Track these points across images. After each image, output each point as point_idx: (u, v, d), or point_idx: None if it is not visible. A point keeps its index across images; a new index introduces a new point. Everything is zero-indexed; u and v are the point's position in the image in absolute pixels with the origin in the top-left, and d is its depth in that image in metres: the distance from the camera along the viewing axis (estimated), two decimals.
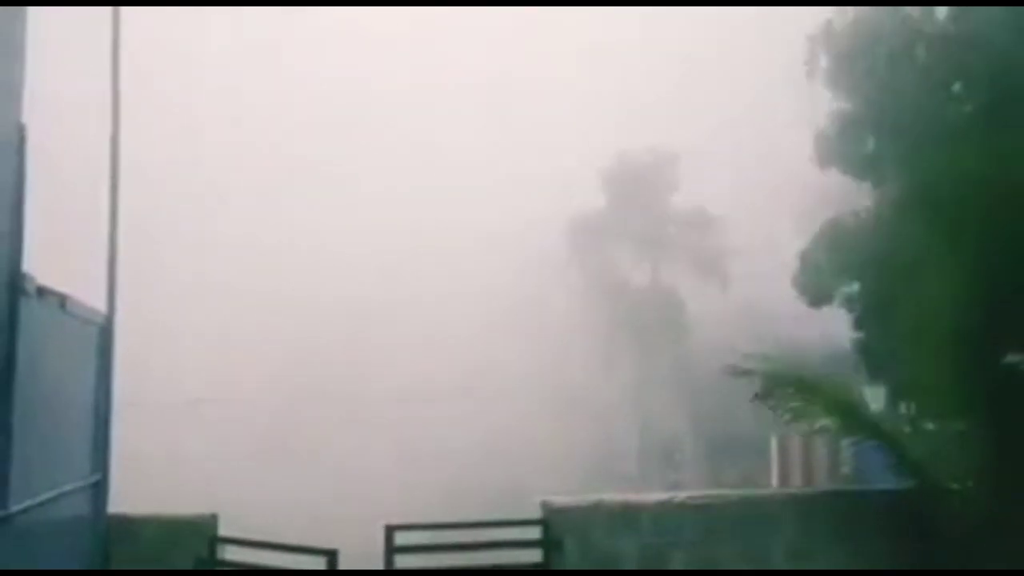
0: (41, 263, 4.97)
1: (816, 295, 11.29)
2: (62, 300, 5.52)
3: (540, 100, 13.94)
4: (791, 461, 13.13)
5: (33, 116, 4.90)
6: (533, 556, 7.30)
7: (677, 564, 7.54)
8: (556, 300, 12.49)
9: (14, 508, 4.45)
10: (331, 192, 11.81)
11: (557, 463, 10.61)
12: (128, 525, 6.77)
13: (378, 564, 7.02)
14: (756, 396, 7.62)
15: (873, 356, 10.21)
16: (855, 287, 10.98)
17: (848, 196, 10.48)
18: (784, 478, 13.92)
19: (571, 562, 7.31)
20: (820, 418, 7.65)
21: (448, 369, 11.55)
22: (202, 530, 6.79)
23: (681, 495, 7.86)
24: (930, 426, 8.15)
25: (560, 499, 7.47)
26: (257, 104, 13.82)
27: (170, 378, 10.07)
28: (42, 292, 5.04)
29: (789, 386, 7.62)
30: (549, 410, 11.81)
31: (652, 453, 13.43)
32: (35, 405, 4.87)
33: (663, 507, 7.73)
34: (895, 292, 8.77)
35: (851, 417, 7.64)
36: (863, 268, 10.40)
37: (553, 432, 11.75)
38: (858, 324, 10.81)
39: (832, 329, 11.01)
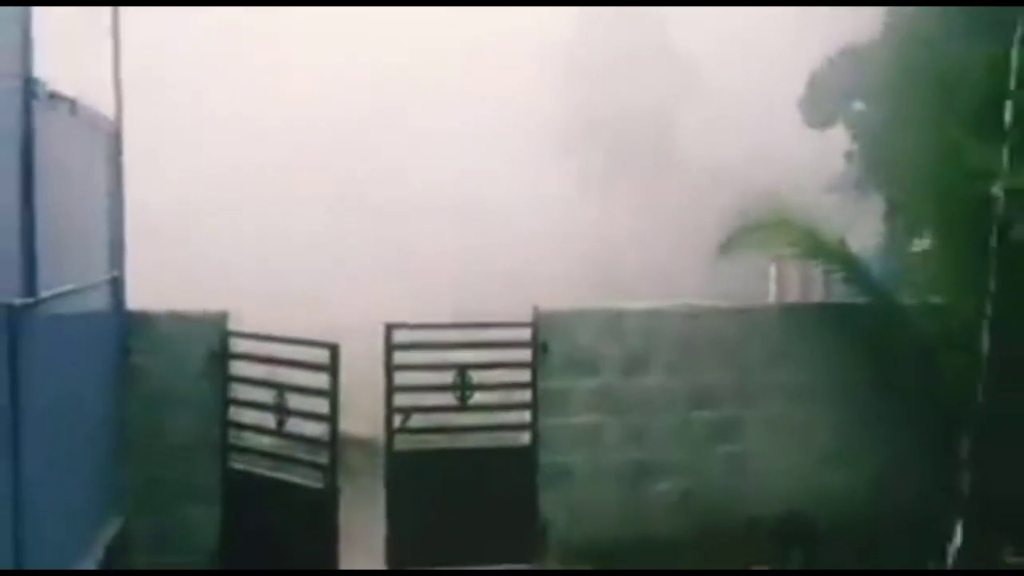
0: (50, 70, 5.16)
1: (820, 117, 11.30)
2: (72, 104, 5.74)
3: None
4: (788, 284, 13.49)
5: None
6: (523, 355, 7.86)
7: (657, 367, 8.11)
8: (549, 113, 12.55)
9: (43, 295, 4.87)
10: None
11: (554, 275, 10.98)
12: (145, 320, 7.27)
13: (378, 360, 7.59)
14: (721, 246, 7.99)
15: (864, 170, 10.42)
16: (860, 106, 11.00)
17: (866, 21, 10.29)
18: (781, 299, 14.42)
19: (557, 362, 7.88)
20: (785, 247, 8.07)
21: (445, 181, 11.79)
22: (214, 325, 7.30)
23: (665, 304, 8.34)
24: (912, 245, 8.53)
25: (549, 305, 7.95)
26: None
27: (180, 182, 10.35)
28: (53, 96, 5.26)
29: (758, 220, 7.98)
30: (543, 224, 12.09)
31: (648, 271, 13.81)
32: (52, 204, 5.19)
33: (647, 315, 8.22)
34: (891, 112, 8.91)
35: (813, 242, 8.00)
36: (870, 90, 10.40)
37: (549, 244, 12.06)
38: (855, 138, 10.89)
39: (831, 152, 11.07)
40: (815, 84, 10.97)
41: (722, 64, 12.90)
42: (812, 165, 11.00)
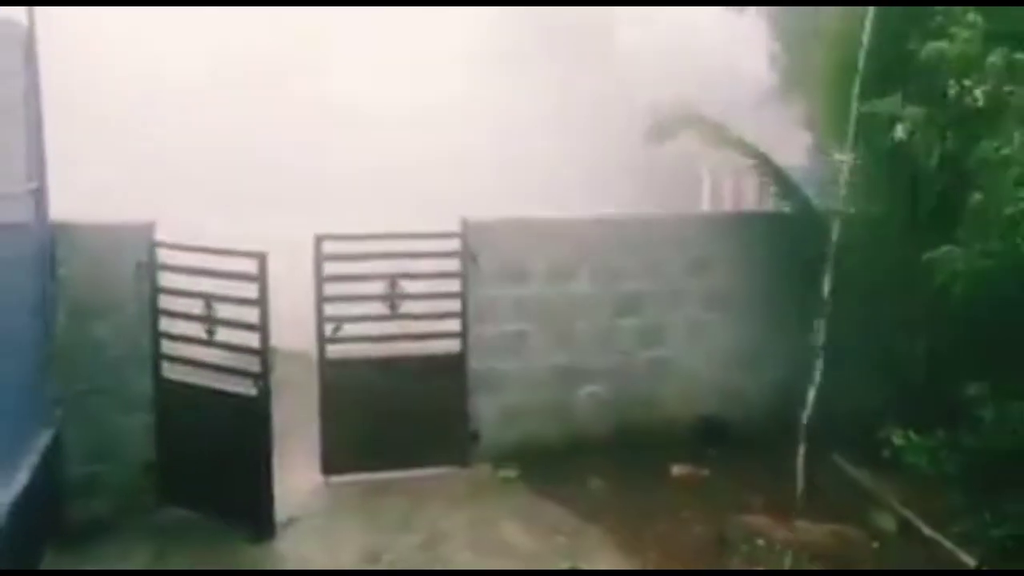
0: None
1: None
2: None
3: None
4: (721, 194, 13.71)
5: None
6: (452, 265, 7.99)
7: (582, 275, 8.32)
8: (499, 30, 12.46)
9: None
10: None
11: (486, 190, 11.01)
12: (71, 232, 7.15)
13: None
14: (650, 134, 8.14)
15: (788, 83, 10.55)
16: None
17: None
18: (715, 209, 14.68)
19: (485, 273, 8.03)
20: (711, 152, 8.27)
21: (393, 94, 11.69)
22: (141, 235, 7.25)
23: (590, 214, 8.51)
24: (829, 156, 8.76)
25: (477, 215, 8.05)
26: None
27: (101, 86, 10.07)
28: None
29: (686, 124, 8.13)
30: (493, 135, 12.06)
31: (585, 183, 13.88)
32: None
33: (573, 225, 8.40)
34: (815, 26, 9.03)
35: (735, 145, 8.21)
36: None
37: (481, 161, 12.04)
38: (777, 39, 10.95)
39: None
40: None
41: None
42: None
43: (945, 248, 6.07)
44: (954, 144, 7.09)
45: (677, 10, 12.51)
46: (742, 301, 8.63)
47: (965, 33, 6.12)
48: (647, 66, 12.39)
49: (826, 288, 7.63)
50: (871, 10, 7.39)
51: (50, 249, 7.06)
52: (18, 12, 6.80)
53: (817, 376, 7.63)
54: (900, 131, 7.13)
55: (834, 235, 7.66)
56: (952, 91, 6.53)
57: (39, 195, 6.89)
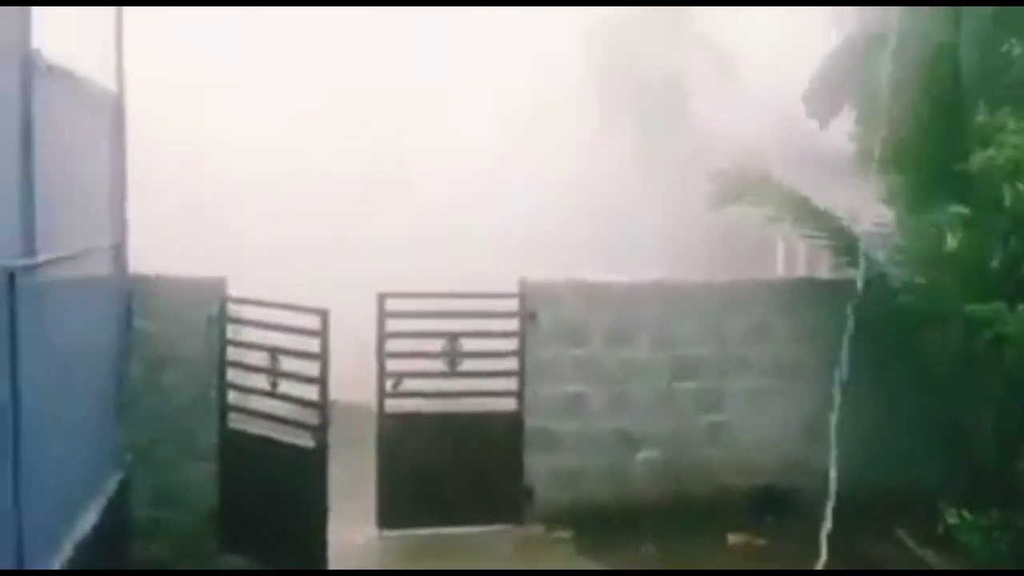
0: (51, 42, 5.39)
1: (823, 111, 11.29)
2: (71, 77, 5.98)
3: None
4: (796, 259, 13.59)
5: None
6: (511, 325, 8.12)
7: (640, 338, 8.35)
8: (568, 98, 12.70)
9: (41, 258, 5.14)
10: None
11: (557, 249, 11.13)
12: (147, 284, 7.54)
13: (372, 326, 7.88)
14: (721, 199, 8.18)
15: (865, 152, 10.46)
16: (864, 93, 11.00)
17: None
18: (788, 275, 14.56)
19: (543, 332, 8.13)
20: (771, 213, 8.25)
21: (463, 161, 11.96)
22: (213, 290, 7.58)
23: (650, 278, 8.56)
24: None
25: (537, 276, 8.18)
26: None
27: (184, 156, 10.60)
28: (52, 69, 5.50)
29: (759, 190, 8.15)
30: (559, 203, 12.22)
31: (660, 245, 13.91)
32: (53, 172, 5.44)
33: (632, 288, 8.46)
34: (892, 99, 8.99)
35: (802, 211, 8.17)
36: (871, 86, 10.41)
37: (565, 221, 12.19)
38: (857, 120, 10.92)
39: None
40: (819, 79, 10.94)
41: (744, 45, 12.89)
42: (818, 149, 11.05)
43: (994, 305, 5.95)
44: (1018, 246, 6.95)
45: (757, 74, 12.53)
46: (804, 369, 8.50)
47: (1013, 138, 6.09)
48: (724, 128, 12.44)
49: (892, 358, 7.51)
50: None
51: (128, 301, 7.43)
52: (110, 79, 7.28)
53: (881, 448, 7.47)
54: (951, 242, 7.05)
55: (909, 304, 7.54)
56: (1008, 198, 6.45)
57: (119, 250, 7.28)
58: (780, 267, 13.62)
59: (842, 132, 10.74)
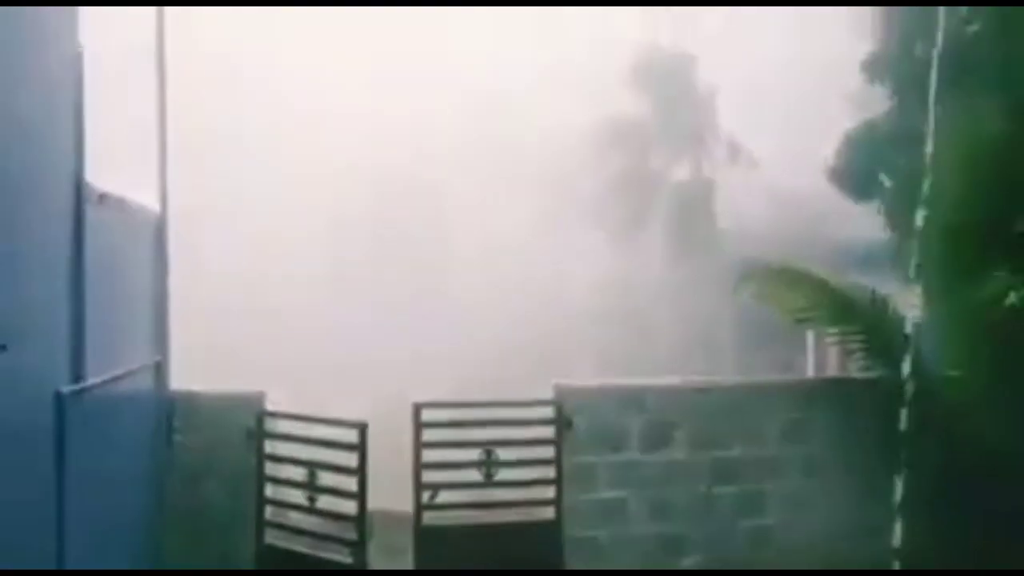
0: (99, 169, 5.64)
1: (857, 189, 11.33)
2: (120, 203, 6.23)
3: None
4: (826, 354, 13.50)
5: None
6: (547, 432, 8.10)
7: (678, 441, 8.28)
8: (587, 192, 12.95)
9: (91, 381, 5.27)
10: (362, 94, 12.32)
11: (594, 353, 11.19)
12: (188, 400, 7.67)
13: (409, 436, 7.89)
14: (736, 289, 8.20)
15: (901, 255, 10.47)
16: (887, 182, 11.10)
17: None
18: (820, 369, 14.43)
19: (580, 438, 8.10)
20: (805, 310, 8.23)
21: (483, 263, 12.13)
22: (251, 404, 7.66)
23: (685, 380, 8.55)
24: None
25: (571, 382, 8.20)
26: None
27: (221, 271, 10.86)
28: (103, 198, 5.74)
29: (780, 280, 8.17)
30: (586, 304, 12.36)
31: (690, 345, 13.98)
32: (102, 296, 5.63)
33: (667, 390, 8.44)
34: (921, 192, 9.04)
35: (836, 308, 8.14)
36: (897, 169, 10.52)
37: (590, 323, 12.29)
38: (887, 214, 10.94)
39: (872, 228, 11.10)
40: (845, 157, 11.01)
41: (758, 133, 13.16)
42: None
43: None
44: None
45: (783, 167, 12.75)
46: (845, 468, 8.36)
47: None
48: (753, 226, 12.60)
49: (935, 457, 7.37)
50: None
51: (168, 417, 7.53)
52: (153, 199, 7.55)
53: (926, 550, 7.28)
54: (1013, 298, 7.00)
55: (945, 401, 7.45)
56: None
57: (161, 367, 7.41)
58: (810, 363, 13.54)
59: (863, 223, 10.82)
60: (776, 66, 13.04)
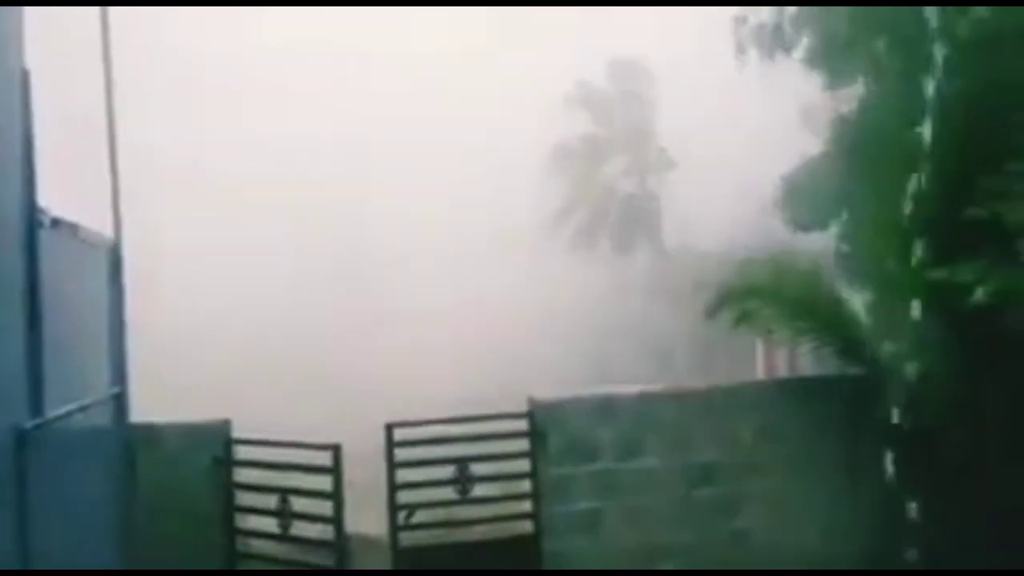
0: (51, 195, 5.44)
1: (803, 221, 11.35)
2: (74, 229, 6.02)
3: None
4: (776, 361, 13.59)
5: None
6: (521, 445, 7.98)
7: (651, 448, 8.21)
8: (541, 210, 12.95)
9: (49, 415, 5.04)
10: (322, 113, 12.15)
11: (553, 366, 11.12)
12: (150, 432, 7.42)
13: (381, 457, 7.71)
14: (707, 310, 8.19)
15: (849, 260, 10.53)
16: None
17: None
18: (770, 374, 14.51)
19: (554, 450, 7.99)
20: (770, 321, 8.25)
21: (436, 285, 12.03)
22: (217, 433, 7.44)
23: (656, 387, 8.50)
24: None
25: (544, 395, 8.10)
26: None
27: (179, 295, 10.61)
28: (56, 223, 5.53)
29: (744, 293, 8.17)
30: (541, 316, 12.31)
31: (645, 357, 14.00)
32: (58, 325, 5.41)
33: (638, 399, 8.36)
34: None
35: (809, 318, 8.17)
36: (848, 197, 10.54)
37: (547, 338, 12.24)
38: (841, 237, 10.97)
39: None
40: (791, 190, 11.02)
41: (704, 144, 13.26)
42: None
43: None
44: None
45: (728, 182, 12.87)
46: (820, 467, 8.36)
47: None
48: (698, 240, 12.69)
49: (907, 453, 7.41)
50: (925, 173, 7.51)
51: (131, 450, 7.27)
52: (107, 226, 7.32)
53: (906, 547, 7.29)
54: (980, 294, 7.04)
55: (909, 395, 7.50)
56: None
57: (121, 399, 7.16)
58: (760, 370, 13.62)
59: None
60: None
